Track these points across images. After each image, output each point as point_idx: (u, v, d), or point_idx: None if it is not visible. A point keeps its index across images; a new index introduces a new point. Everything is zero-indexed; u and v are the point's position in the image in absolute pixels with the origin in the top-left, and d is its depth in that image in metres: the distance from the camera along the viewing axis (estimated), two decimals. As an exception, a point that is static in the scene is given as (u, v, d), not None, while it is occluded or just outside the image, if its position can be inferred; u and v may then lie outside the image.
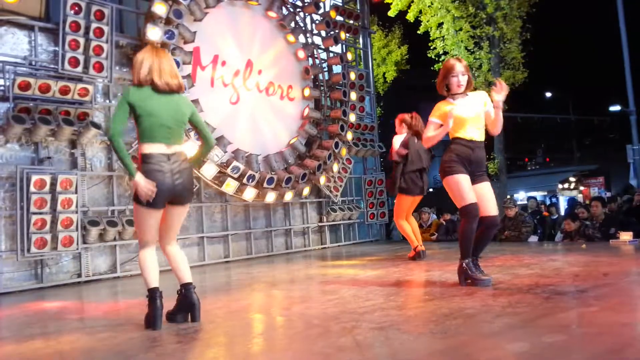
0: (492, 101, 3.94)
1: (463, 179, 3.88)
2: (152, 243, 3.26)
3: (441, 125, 3.98)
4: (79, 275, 6.01)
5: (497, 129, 4.06)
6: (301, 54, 8.86)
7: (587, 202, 10.33)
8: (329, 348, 2.52)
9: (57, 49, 5.94)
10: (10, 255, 5.54)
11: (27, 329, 3.55)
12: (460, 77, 3.98)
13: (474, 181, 3.94)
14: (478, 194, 3.92)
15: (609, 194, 11.34)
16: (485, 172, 4.09)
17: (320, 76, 9.16)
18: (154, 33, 6.44)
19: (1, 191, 5.58)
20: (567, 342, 2.32)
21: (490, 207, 3.94)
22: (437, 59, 13.12)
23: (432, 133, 4.03)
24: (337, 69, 9.41)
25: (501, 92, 3.88)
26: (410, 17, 13.24)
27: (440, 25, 12.85)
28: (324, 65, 9.33)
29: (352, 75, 9.31)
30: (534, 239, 8.13)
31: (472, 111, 3.96)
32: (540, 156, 34.27)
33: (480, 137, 3.99)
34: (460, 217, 3.98)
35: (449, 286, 3.94)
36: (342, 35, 9.40)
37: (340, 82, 9.15)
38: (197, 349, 2.74)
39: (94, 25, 6.03)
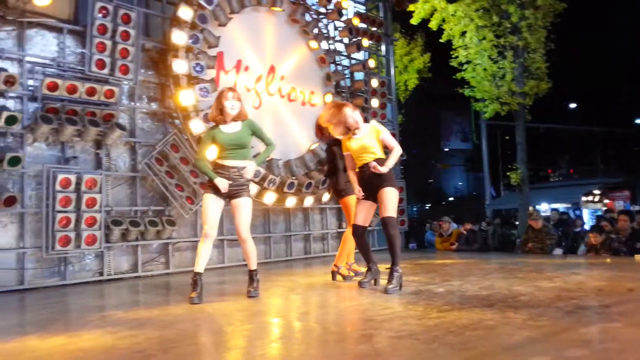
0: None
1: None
2: None
3: None
4: (101, 274, 6.10)
5: None
6: (323, 60, 8.89)
7: (614, 215, 10.11)
8: (347, 355, 2.51)
9: (84, 51, 6.04)
10: (34, 252, 5.65)
11: (50, 325, 3.62)
12: None
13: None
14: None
15: (637, 207, 11.06)
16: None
17: (342, 83, 9.18)
18: (179, 37, 6.53)
19: (28, 189, 5.70)
20: (588, 358, 2.28)
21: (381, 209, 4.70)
22: (459, 67, 13.04)
23: None
24: (359, 75, 9.42)
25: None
26: (433, 25, 13.18)
27: (463, 34, 12.75)
28: (346, 72, 9.35)
29: (374, 83, 9.31)
30: (558, 251, 8.00)
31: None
32: (564, 168, 33.76)
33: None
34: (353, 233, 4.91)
35: (468, 297, 3.90)
36: (365, 42, 9.41)
37: (362, 89, 9.16)
38: (216, 351, 2.76)
39: (120, 29, 6.13)
